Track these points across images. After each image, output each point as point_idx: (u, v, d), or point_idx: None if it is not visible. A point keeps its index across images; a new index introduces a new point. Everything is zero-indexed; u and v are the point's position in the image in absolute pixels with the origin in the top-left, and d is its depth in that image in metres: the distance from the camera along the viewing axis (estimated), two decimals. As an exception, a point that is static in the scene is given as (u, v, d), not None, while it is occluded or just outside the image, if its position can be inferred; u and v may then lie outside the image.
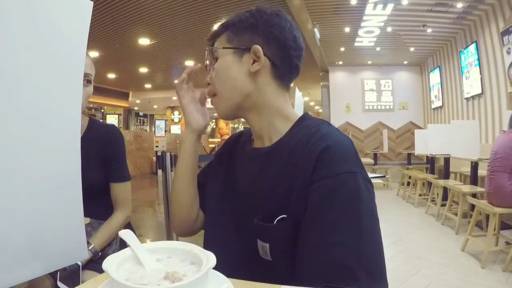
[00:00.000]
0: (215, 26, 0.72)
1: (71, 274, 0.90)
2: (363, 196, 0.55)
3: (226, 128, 19.70)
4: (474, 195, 3.13)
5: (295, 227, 0.57)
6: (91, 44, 6.78)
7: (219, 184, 0.76)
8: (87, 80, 1.04)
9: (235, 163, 0.75)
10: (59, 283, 0.87)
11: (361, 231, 0.53)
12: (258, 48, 0.64)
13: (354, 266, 0.51)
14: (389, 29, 5.72)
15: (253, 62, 0.65)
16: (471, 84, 5.48)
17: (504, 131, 2.79)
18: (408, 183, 5.49)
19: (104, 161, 1.14)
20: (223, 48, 0.67)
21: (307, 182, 0.56)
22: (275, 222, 0.58)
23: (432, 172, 5.20)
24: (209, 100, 0.75)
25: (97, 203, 1.10)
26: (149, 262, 0.40)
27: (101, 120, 1.31)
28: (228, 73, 0.67)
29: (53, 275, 0.89)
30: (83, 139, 1.11)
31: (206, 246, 0.71)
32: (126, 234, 0.44)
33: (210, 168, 0.84)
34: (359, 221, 0.53)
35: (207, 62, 0.72)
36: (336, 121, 8.28)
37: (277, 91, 0.68)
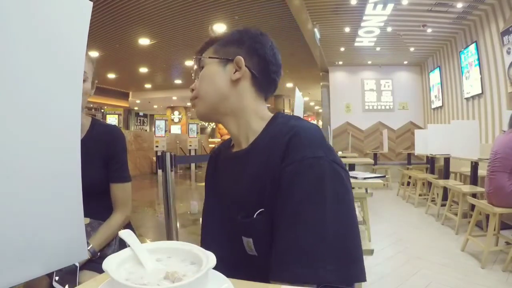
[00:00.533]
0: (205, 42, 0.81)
1: (68, 275, 0.89)
2: (328, 179, 0.57)
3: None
4: (474, 195, 3.13)
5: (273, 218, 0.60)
6: (91, 44, 6.78)
7: (212, 195, 0.82)
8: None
9: (219, 171, 0.81)
10: (54, 284, 0.86)
11: (326, 215, 0.55)
12: (240, 59, 0.71)
13: (318, 249, 0.53)
14: (389, 29, 5.72)
15: (235, 71, 0.72)
16: (471, 84, 5.47)
17: (504, 131, 2.79)
18: (408, 183, 5.49)
19: (105, 161, 1.14)
20: (209, 57, 0.75)
21: (277, 171, 0.59)
22: (255, 216, 0.62)
23: (432, 172, 5.20)
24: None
25: (97, 203, 1.09)
26: (149, 262, 0.39)
27: (102, 120, 1.31)
28: (212, 79, 0.73)
29: (49, 275, 0.89)
30: (85, 139, 1.12)
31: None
32: (126, 234, 0.44)
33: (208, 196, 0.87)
34: (324, 205, 0.55)
35: (194, 70, 0.80)
36: (336, 121, 8.28)
37: (254, 97, 0.74)
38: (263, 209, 0.61)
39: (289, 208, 0.57)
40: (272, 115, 0.73)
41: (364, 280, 0.55)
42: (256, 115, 0.73)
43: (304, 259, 0.53)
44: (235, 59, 0.72)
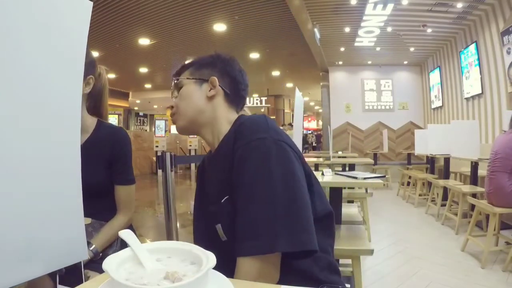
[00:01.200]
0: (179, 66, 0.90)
1: (72, 274, 0.89)
2: (274, 157, 0.63)
3: (226, 128, 19.66)
4: (474, 195, 3.13)
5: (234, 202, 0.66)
6: (91, 44, 6.77)
7: (198, 201, 0.90)
8: None
9: (203, 177, 0.89)
10: (58, 286, 0.86)
11: (275, 190, 0.61)
12: (214, 79, 0.82)
13: (270, 222, 0.59)
14: (389, 29, 5.72)
15: (210, 89, 0.82)
16: (471, 84, 5.47)
17: (505, 131, 2.79)
18: (408, 183, 5.49)
19: (109, 163, 1.14)
20: (187, 78, 0.84)
21: (231, 159, 0.67)
22: (222, 202, 0.69)
23: (432, 172, 5.20)
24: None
25: (101, 203, 1.09)
26: (149, 262, 0.40)
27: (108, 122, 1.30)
28: (190, 96, 0.82)
29: (52, 275, 0.89)
30: (90, 139, 1.12)
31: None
32: (126, 234, 0.44)
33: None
34: (272, 181, 0.61)
35: (172, 90, 0.88)
36: (336, 121, 8.28)
37: (227, 109, 0.83)
38: (227, 196, 0.69)
39: (242, 190, 0.63)
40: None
41: (314, 248, 0.61)
42: (227, 122, 0.81)
43: (257, 232, 0.59)
44: (210, 79, 0.82)
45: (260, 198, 0.61)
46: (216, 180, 0.75)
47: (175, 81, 0.87)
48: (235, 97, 0.85)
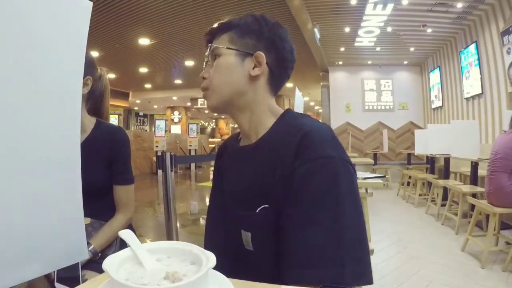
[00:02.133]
0: (216, 24, 0.74)
1: (70, 274, 0.89)
2: (342, 179, 0.56)
3: (226, 128, 19.69)
4: (474, 195, 3.13)
5: (277, 215, 0.59)
6: (91, 44, 6.78)
7: (217, 189, 0.82)
8: None
9: (226, 164, 0.80)
10: (56, 284, 0.86)
11: (340, 215, 0.54)
12: (262, 55, 0.68)
13: (335, 251, 0.52)
14: (389, 29, 5.72)
15: (254, 67, 0.69)
16: (471, 84, 5.47)
17: (505, 131, 2.79)
18: (408, 183, 5.49)
19: (108, 162, 1.14)
20: (227, 48, 0.70)
21: (288, 170, 0.58)
22: (257, 211, 0.61)
23: (432, 172, 5.20)
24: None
25: (100, 203, 1.09)
26: (149, 262, 0.39)
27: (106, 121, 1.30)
28: (228, 72, 0.69)
29: (49, 276, 0.89)
30: (89, 139, 1.12)
31: (205, 245, 0.77)
32: (126, 234, 0.44)
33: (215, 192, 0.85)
34: (339, 205, 0.54)
35: (207, 56, 0.74)
36: (336, 121, 8.28)
37: (268, 93, 0.72)
38: (267, 206, 0.61)
39: (303, 209, 0.55)
40: (282, 111, 0.72)
41: (371, 282, 0.54)
42: (268, 110, 0.71)
43: (322, 260, 0.52)
44: (255, 54, 0.68)
45: (326, 223, 0.53)
46: (250, 182, 0.66)
47: (210, 46, 0.72)
48: (280, 78, 0.73)
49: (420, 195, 4.95)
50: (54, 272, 0.75)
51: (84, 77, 1.09)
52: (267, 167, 0.62)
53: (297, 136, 0.60)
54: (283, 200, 0.58)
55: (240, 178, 0.70)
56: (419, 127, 7.63)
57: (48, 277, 0.90)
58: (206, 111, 16.62)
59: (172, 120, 15.78)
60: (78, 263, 0.89)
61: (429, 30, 5.73)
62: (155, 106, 16.05)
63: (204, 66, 0.75)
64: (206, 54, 0.74)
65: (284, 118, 0.69)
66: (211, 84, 0.70)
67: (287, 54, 0.71)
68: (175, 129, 14.99)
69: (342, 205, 0.54)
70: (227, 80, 0.69)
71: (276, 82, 0.72)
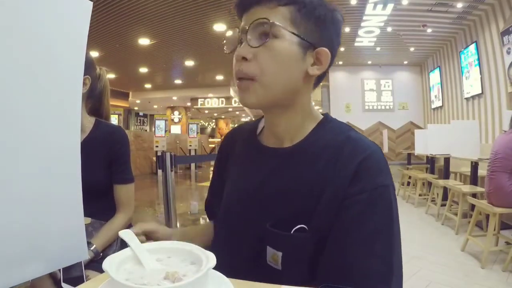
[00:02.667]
0: None
1: (75, 273, 0.90)
2: (394, 208, 0.55)
3: (226, 128, 19.69)
4: (474, 195, 3.13)
5: (316, 238, 0.54)
6: (91, 44, 6.78)
7: (230, 183, 0.70)
8: None
9: (241, 160, 0.69)
10: (63, 284, 0.87)
11: (393, 244, 0.54)
12: (327, 53, 0.57)
13: (386, 276, 0.52)
14: (389, 29, 5.72)
15: (313, 63, 0.58)
16: (471, 84, 5.47)
17: (505, 131, 2.79)
18: (408, 183, 5.49)
19: (108, 162, 1.14)
20: (290, 31, 0.54)
21: (340, 195, 0.53)
22: (292, 232, 0.54)
23: (432, 172, 5.20)
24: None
25: (100, 203, 1.09)
26: (149, 262, 0.39)
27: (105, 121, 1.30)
28: (289, 64, 0.55)
29: (53, 275, 0.89)
30: (88, 139, 1.12)
31: (213, 246, 0.70)
32: (126, 234, 0.44)
33: (216, 184, 0.79)
34: (392, 235, 0.54)
35: (246, 30, 0.55)
36: (336, 121, 8.28)
37: (311, 93, 0.64)
38: (304, 226, 0.54)
39: (360, 238, 0.52)
40: (320, 115, 0.65)
41: None
42: (310, 114, 0.63)
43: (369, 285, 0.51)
44: (318, 49, 0.57)
45: (382, 253, 0.52)
46: (283, 194, 0.58)
47: (264, 21, 0.54)
48: (322, 78, 0.63)
49: (420, 195, 4.95)
50: (60, 271, 0.75)
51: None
52: (309, 184, 0.56)
53: (354, 159, 0.54)
54: (327, 224, 0.53)
55: (270, 184, 0.60)
56: (419, 127, 7.64)
57: (53, 278, 0.90)
58: (206, 111, 16.62)
59: (172, 120, 15.78)
60: (81, 262, 0.90)
61: (429, 30, 5.73)
62: (155, 106, 16.05)
63: (239, 42, 0.57)
64: (248, 25, 0.55)
65: (326, 127, 0.62)
66: (261, 74, 0.55)
67: (336, 50, 0.60)
68: (175, 129, 14.99)
69: (394, 234, 0.54)
70: (285, 74, 0.56)
71: (319, 80, 0.63)
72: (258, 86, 0.56)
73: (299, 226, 0.54)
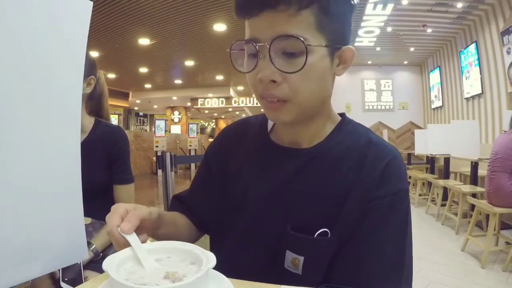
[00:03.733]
0: None
1: (73, 274, 0.90)
2: (409, 212, 0.55)
3: (226, 128, 19.60)
4: (474, 195, 3.13)
5: (338, 242, 0.53)
6: (91, 44, 6.77)
7: (237, 181, 0.65)
8: None
9: (252, 158, 0.64)
10: (62, 284, 0.87)
11: (406, 247, 0.54)
12: (353, 51, 0.55)
13: (396, 278, 0.52)
14: (389, 29, 5.72)
15: (339, 64, 0.55)
16: (471, 84, 5.47)
17: (505, 131, 2.79)
18: (408, 183, 5.49)
19: (108, 162, 1.14)
20: (323, 46, 0.49)
21: (367, 198, 0.53)
22: (315, 235, 0.53)
23: (432, 172, 5.20)
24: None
25: (100, 203, 1.09)
26: (149, 262, 0.40)
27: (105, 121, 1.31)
28: (322, 79, 0.52)
29: (53, 275, 0.89)
30: (88, 139, 1.12)
31: (217, 247, 0.66)
32: (126, 234, 0.44)
33: (202, 175, 0.74)
34: (405, 237, 0.54)
35: (275, 48, 0.48)
36: (336, 121, 8.28)
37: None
38: (326, 230, 0.53)
39: (375, 241, 0.52)
40: (338, 117, 0.63)
41: None
42: (330, 115, 0.61)
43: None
44: (344, 48, 0.53)
45: (394, 256, 0.53)
46: (304, 196, 0.56)
47: (293, 39, 0.46)
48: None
49: (420, 195, 4.95)
50: (59, 271, 0.75)
51: (88, 77, 1.10)
52: (332, 187, 0.54)
53: (379, 163, 0.54)
54: (351, 229, 0.52)
55: (289, 186, 0.57)
56: (419, 127, 7.64)
57: (53, 277, 0.90)
58: (206, 111, 16.62)
59: (172, 120, 15.77)
60: (80, 263, 0.90)
61: (429, 30, 5.73)
62: (155, 106, 16.04)
63: (257, 60, 0.50)
64: (269, 41, 0.47)
65: (345, 129, 0.60)
66: (295, 96, 0.50)
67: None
68: (175, 129, 14.98)
69: (407, 237, 0.54)
70: (319, 88, 0.53)
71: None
72: (292, 106, 0.52)
73: (322, 230, 0.53)
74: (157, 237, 0.60)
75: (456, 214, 3.46)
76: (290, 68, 0.48)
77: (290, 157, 0.59)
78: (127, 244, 0.44)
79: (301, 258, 0.53)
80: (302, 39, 0.46)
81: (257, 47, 0.49)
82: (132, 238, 0.43)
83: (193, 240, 0.73)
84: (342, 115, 0.64)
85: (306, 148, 0.59)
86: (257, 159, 0.63)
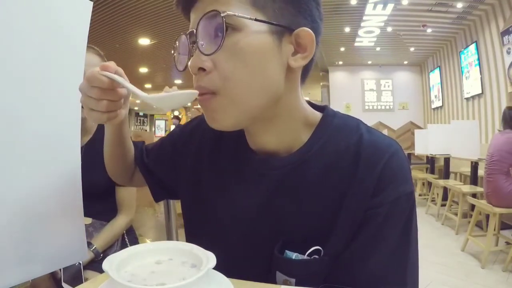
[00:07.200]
0: None
1: (73, 274, 0.90)
2: (414, 216, 0.49)
3: (226, 128, 19.64)
4: (474, 195, 3.13)
5: (333, 260, 0.47)
6: (91, 44, 6.76)
7: (194, 184, 0.59)
8: None
9: (228, 167, 0.56)
10: (64, 284, 0.87)
11: (409, 251, 0.49)
12: (310, 34, 0.44)
13: (398, 277, 0.49)
14: (389, 29, 5.72)
15: (295, 52, 0.45)
16: (471, 84, 5.48)
17: (499, 130, 2.79)
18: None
19: None
20: (255, 19, 0.41)
21: (363, 208, 0.46)
22: (306, 255, 0.46)
23: (432, 172, 5.19)
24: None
25: (102, 204, 1.10)
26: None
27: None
28: (262, 62, 0.43)
29: (54, 275, 0.89)
30: (92, 140, 1.12)
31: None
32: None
33: (161, 153, 0.67)
34: (409, 242, 0.49)
35: (200, 31, 0.42)
36: (336, 121, 8.28)
37: (299, 89, 0.51)
38: (319, 248, 0.47)
39: (377, 251, 0.47)
40: (318, 114, 0.53)
41: None
42: (304, 115, 0.51)
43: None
44: (297, 31, 0.43)
45: (393, 264, 0.48)
46: (292, 205, 0.49)
47: (213, 14, 0.40)
48: (310, 66, 0.49)
49: (420, 195, 4.95)
50: (61, 271, 0.76)
51: None
52: (323, 198, 0.47)
53: (375, 165, 0.46)
54: (346, 242, 0.46)
55: (271, 203, 0.50)
56: (419, 127, 7.64)
57: (54, 277, 0.90)
58: (206, 111, 16.60)
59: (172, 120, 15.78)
60: (80, 263, 0.89)
61: (429, 30, 5.73)
62: (155, 106, 16.05)
63: (190, 48, 0.45)
64: (195, 26, 0.42)
65: (328, 124, 0.51)
66: (226, 86, 0.43)
67: (321, 30, 0.48)
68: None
69: (411, 243, 0.49)
70: (259, 77, 0.43)
71: (307, 70, 0.50)
72: (225, 100, 0.43)
73: (314, 248, 0.46)
74: (111, 141, 0.58)
75: (456, 214, 3.46)
76: (212, 49, 0.41)
77: (270, 169, 0.51)
78: (110, 86, 0.43)
79: (293, 280, 0.47)
80: (219, 11, 0.39)
81: (188, 37, 0.45)
82: (117, 76, 0.42)
83: (128, 175, 0.71)
84: (323, 109, 0.54)
85: (285, 157, 0.50)
86: (234, 169, 0.55)
